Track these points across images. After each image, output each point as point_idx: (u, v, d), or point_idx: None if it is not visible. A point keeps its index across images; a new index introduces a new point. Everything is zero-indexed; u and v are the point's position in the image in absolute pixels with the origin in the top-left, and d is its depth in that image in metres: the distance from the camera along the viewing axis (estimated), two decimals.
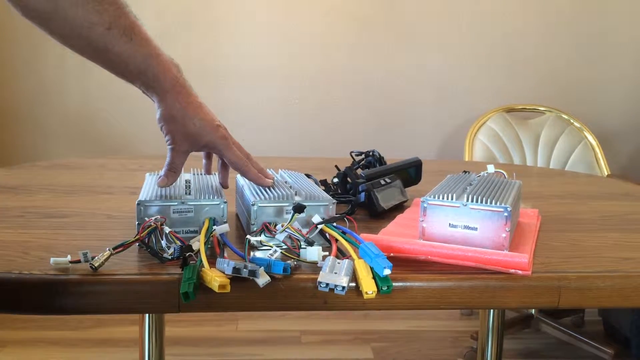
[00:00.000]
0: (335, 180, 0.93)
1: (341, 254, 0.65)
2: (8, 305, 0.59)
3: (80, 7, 0.62)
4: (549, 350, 2.10)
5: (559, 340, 2.11)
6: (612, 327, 2.09)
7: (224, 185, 0.79)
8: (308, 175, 0.89)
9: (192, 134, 0.71)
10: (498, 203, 0.66)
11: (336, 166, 0.98)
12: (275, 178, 0.81)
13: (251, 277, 0.57)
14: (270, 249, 0.63)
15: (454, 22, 2.41)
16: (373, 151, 1.03)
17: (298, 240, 0.65)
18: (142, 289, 0.59)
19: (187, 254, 0.61)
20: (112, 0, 0.65)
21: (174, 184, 0.74)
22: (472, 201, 0.67)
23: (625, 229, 0.85)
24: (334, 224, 0.68)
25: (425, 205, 0.69)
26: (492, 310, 1.26)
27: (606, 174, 2.21)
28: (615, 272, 0.66)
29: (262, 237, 0.67)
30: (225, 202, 0.70)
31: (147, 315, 1.13)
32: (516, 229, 0.77)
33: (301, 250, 0.64)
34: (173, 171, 0.72)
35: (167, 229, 0.64)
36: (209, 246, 0.64)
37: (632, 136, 2.53)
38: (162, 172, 0.73)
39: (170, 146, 0.72)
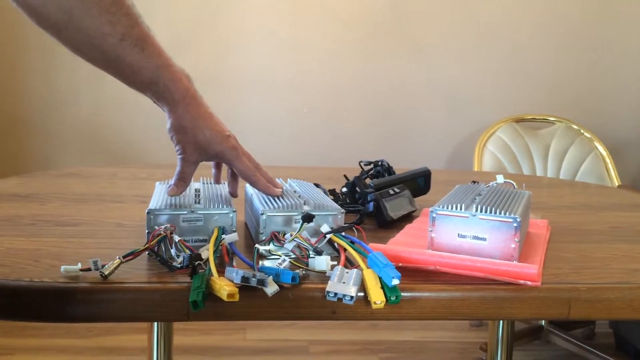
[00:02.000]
0: (344, 189, 0.93)
1: (350, 263, 0.65)
2: (18, 312, 0.59)
3: (95, 18, 0.63)
4: None
5: (569, 352, 2.08)
6: (623, 339, 2.06)
7: (234, 194, 0.80)
8: (317, 185, 0.89)
9: (202, 144, 0.71)
10: (507, 213, 0.66)
11: (345, 176, 0.98)
12: (284, 187, 0.81)
13: (260, 286, 0.57)
14: (279, 258, 0.63)
15: (464, 33, 2.41)
16: (382, 161, 1.03)
17: (307, 249, 0.65)
18: (151, 298, 0.59)
19: (196, 263, 0.61)
20: (126, 12, 0.65)
21: (183, 193, 0.75)
22: (481, 211, 0.67)
23: (635, 240, 0.84)
24: (343, 233, 0.68)
25: (434, 215, 0.69)
26: (501, 322, 1.25)
27: (617, 184, 2.19)
28: (625, 284, 0.65)
29: (271, 247, 0.67)
30: (234, 211, 0.71)
31: (155, 323, 1.13)
32: (526, 239, 0.76)
33: (310, 259, 0.64)
34: (183, 181, 0.73)
35: (176, 238, 0.64)
36: (218, 255, 0.65)
37: None
38: (172, 182, 0.74)
39: (180, 156, 0.72)
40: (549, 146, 2.28)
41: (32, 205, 0.91)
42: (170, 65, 0.69)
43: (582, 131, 2.30)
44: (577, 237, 0.85)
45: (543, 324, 2.12)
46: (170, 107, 0.70)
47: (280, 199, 0.75)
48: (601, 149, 2.26)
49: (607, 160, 2.24)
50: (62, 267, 0.60)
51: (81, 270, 0.60)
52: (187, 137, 0.71)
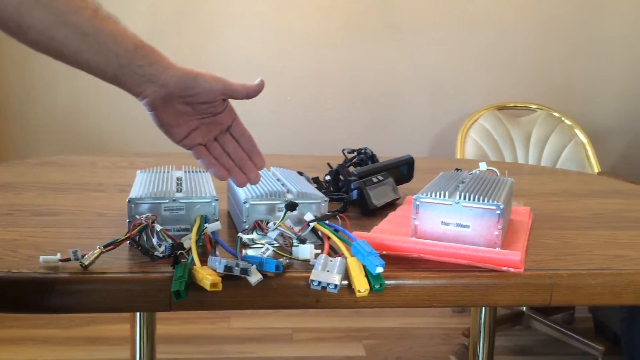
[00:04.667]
0: (328, 178, 0.93)
1: (333, 251, 0.64)
2: None
3: None
4: (539, 347, 2.11)
5: (549, 337, 2.12)
6: (602, 323, 2.10)
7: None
8: (300, 173, 0.89)
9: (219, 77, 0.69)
10: (490, 201, 0.66)
11: (328, 164, 0.97)
12: (267, 176, 0.81)
13: (243, 275, 0.57)
14: (262, 247, 0.63)
15: (446, 20, 2.41)
16: (365, 149, 1.03)
17: (290, 238, 0.65)
18: (133, 288, 0.58)
19: (179, 252, 0.60)
20: None
21: (165, 181, 0.74)
22: (464, 199, 0.67)
23: (616, 227, 0.85)
24: (326, 221, 0.68)
25: (417, 203, 0.69)
26: (483, 308, 1.27)
27: (597, 171, 2.22)
28: (606, 270, 0.66)
29: (254, 235, 0.66)
30: (216, 200, 0.70)
31: (138, 313, 1.12)
32: (508, 226, 0.77)
33: (293, 248, 0.64)
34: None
35: (158, 227, 0.64)
36: (201, 244, 0.64)
37: (623, 134, 2.55)
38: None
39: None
40: (530, 134, 2.30)
41: (9, 195, 0.89)
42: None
43: (562, 119, 2.32)
44: (558, 223, 0.86)
45: (524, 309, 2.14)
46: (165, 64, 0.65)
47: (263, 186, 0.75)
48: (581, 136, 2.28)
49: (588, 147, 2.27)
50: (41, 258, 0.59)
51: (60, 260, 0.59)
52: (209, 75, 0.67)
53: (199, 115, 0.68)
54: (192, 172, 0.83)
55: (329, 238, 0.66)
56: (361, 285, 0.58)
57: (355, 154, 1.03)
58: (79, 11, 0.61)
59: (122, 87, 0.65)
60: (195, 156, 0.70)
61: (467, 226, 0.67)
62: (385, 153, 1.19)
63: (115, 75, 0.63)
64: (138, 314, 1.13)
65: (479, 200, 0.66)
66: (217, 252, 0.64)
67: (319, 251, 0.63)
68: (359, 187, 0.86)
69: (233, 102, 0.72)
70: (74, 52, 0.62)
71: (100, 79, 0.65)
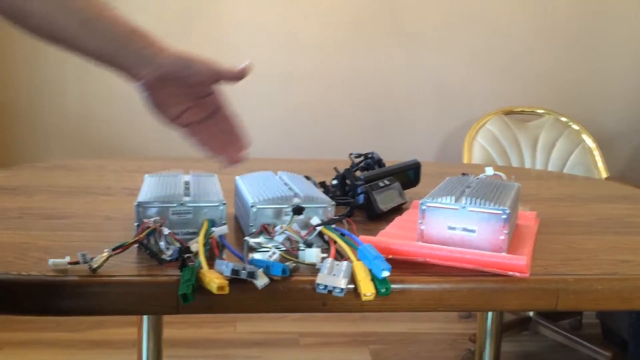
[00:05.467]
0: (334, 182, 0.93)
1: (340, 255, 0.65)
2: (6, 306, 0.58)
3: None
4: (547, 353, 2.10)
5: (557, 343, 2.11)
6: (610, 329, 2.09)
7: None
8: (307, 177, 0.89)
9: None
10: (496, 205, 0.66)
11: (335, 168, 0.98)
12: (274, 180, 0.81)
13: (250, 279, 0.57)
14: (269, 251, 0.63)
15: (453, 25, 2.41)
16: (372, 153, 1.03)
17: (297, 242, 0.65)
18: (140, 291, 0.59)
19: (186, 256, 0.61)
20: None
21: (173, 185, 0.75)
22: (470, 203, 0.67)
23: (623, 232, 0.85)
24: (333, 225, 0.68)
25: (424, 207, 0.69)
26: (490, 313, 1.26)
27: (604, 176, 2.21)
28: (613, 275, 0.66)
29: (261, 239, 0.67)
30: (224, 204, 0.70)
31: (145, 316, 1.13)
32: (514, 231, 0.77)
33: (300, 252, 0.64)
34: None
35: (166, 231, 0.64)
36: (208, 248, 0.64)
37: (630, 139, 2.54)
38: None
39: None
40: (537, 138, 2.29)
41: (20, 198, 0.90)
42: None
43: (570, 123, 2.31)
44: (565, 228, 0.86)
45: (531, 314, 2.14)
46: (161, 45, 0.68)
47: (270, 191, 0.75)
48: (589, 141, 2.27)
49: (595, 152, 2.26)
50: (50, 261, 0.60)
51: (69, 263, 0.59)
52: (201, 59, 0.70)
53: (190, 96, 0.72)
54: (200, 176, 0.84)
55: (335, 242, 0.66)
56: (367, 290, 0.58)
57: (362, 158, 1.03)
58: None
59: (120, 69, 0.68)
60: (186, 135, 0.74)
61: (474, 231, 0.67)
62: (392, 157, 1.19)
63: (113, 58, 0.66)
64: (145, 317, 1.13)
65: (485, 204, 0.66)
66: (224, 256, 0.64)
67: (326, 255, 0.63)
68: (366, 192, 0.86)
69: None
70: (72, 38, 0.65)
71: (98, 62, 0.67)
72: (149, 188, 0.75)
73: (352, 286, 0.59)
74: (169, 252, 0.62)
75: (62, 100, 2.35)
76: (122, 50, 0.66)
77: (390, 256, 0.65)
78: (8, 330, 2.08)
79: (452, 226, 0.68)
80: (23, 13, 0.63)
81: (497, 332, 1.28)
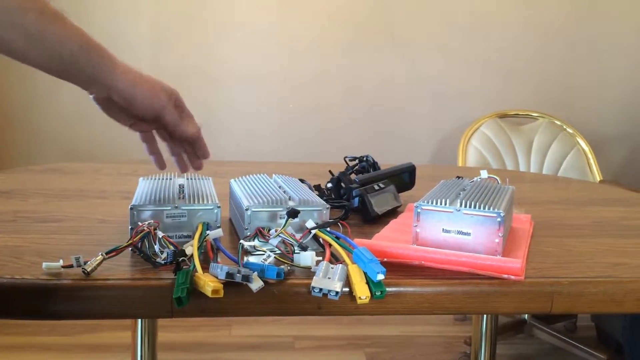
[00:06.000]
0: (329, 185, 0.93)
1: (335, 259, 0.65)
2: None
3: None
4: (541, 356, 2.10)
5: (551, 346, 2.11)
6: (605, 332, 2.09)
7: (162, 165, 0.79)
8: (302, 180, 0.89)
9: (165, 87, 0.72)
10: (491, 208, 0.66)
11: (330, 171, 0.98)
12: (269, 183, 0.81)
13: (244, 282, 0.57)
14: (263, 254, 0.63)
15: (448, 28, 2.42)
16: (367, 156, 1.03)
17: (292, 245, 0.65)
18: (134, 294, 0.58)
19: (180, 259, 0.61)
20: None
21: (167, 188, 0.74)
22: (465, 206, 0.67)
23: (617, 235, 0.85)
24: (328, 229, 0.68)
25: (418, 210, 0.69)
26: (485, 316, 1.26)
27: (598, 179, 2.22)
28: (607, 278, 0.66)
29: (256, 242, 0.66)
30: (218, 207, 0.70)
31: (139, 320, 1.13)
32: (509, 234, 0.77)
33: (295, 255, 0.64)
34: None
35: (160, 234, 0.64)
36: (203, 251, 0.64)
37: (624, 142, 2.55)
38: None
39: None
40: (532, 141, 2.30)
41: (14, 202, 0.90)
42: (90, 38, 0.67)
43: (564, 127, 2.32)
44: (559, 231, 0.86)
45: (526, 317, 2.14)
46: (111, 68, 0.67)
47: (265, 194, 0.75)
48: (583, 144, 2.28)
49: (589, 155, 2.27)
50: (44, 264, 0.59)
51: (63, 267, 0.59)
52: (153, 83, 0.70)
53: (137, 117, 0.73)
54: (195, 179, 0.84)
55: (330, 245, 0.66)
56: (362, 293, 0.58)
57: (357, 161, 1.04)
58: (26, 13, 0.62)
59: (72, 83, 0.68)
60: (141, 140, 0.76)
61: (468, 234, 0.67)
62: (387, 160, 1.19)
63: (63, 74, 0.67)
64: (140, 321, 1.13)
65: (479, 207, 0.67)
66: (218, 259, 0.64)
67: (320, 258, 0.63)
68: (361, 195, 0.86)
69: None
70: (21, 52, 0.64)
71: (50, 75, 0.67)
72: (143, 191, 0.75)
73: (347, 289, 0.59)
74: (164, 256, 0.62)
75: (56, 103, 2.34)
76: (69, 68, 0.65)
77: (385, 259, 0.65)
78: (1, 334, 2.06)
79: (447, 229, 0.68)
80: None
81: (493, 335, 1.28)
